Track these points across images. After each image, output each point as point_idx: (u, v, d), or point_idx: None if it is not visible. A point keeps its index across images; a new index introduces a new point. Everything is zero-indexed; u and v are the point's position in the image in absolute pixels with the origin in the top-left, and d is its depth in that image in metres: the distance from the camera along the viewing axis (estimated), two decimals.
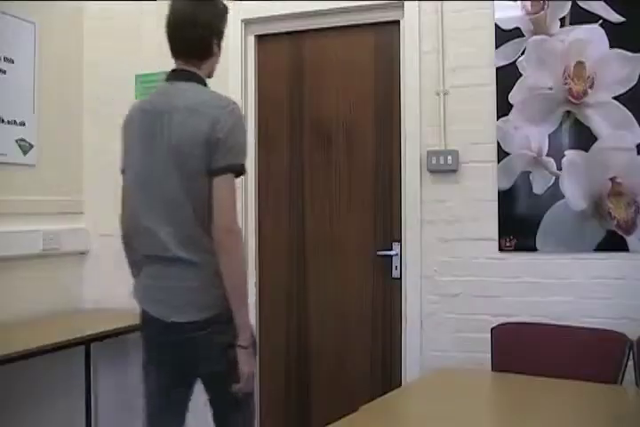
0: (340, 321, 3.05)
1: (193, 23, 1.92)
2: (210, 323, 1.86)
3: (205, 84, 1.99)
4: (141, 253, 1.99)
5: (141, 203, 1.93)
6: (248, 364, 1.87)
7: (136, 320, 3.07)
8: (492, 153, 2.77)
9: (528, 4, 2.72)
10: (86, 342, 3.04)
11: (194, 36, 1.93)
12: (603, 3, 2.60)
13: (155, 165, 1.89)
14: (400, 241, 2.97)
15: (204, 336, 1.85)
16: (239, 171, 1.88)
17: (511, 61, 2.73)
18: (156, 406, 2.01)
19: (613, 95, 2.60)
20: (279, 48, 3.22)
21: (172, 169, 1.86)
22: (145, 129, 1.93)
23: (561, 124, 2.68)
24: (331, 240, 3.11)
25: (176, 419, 2.00)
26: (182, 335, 1.87)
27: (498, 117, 2.75)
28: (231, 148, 1.85)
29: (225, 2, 3.01)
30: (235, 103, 1.93)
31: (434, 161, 2.83)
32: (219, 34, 1.99)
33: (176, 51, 1.98)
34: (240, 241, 1.89)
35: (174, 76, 1.98)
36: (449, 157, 2.81)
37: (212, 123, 1.83)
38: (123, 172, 2.05)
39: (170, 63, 3.25)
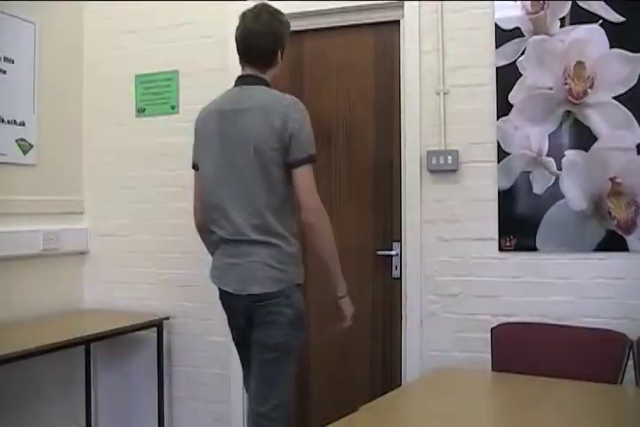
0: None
1: (265, 35, 2.19)
2: (279, 295, 2.12)
3: (270, 87, 2.22)
4: (219, 237, 2.21)
5: (221, 192, 2.17)
6: (349, 307, 2.29)
7: (135, 320, 3.10)
8: (492, 153, 2.77)
9: (528, 3, 2.71)
10: (86, 342, 3.05)
11: (265, 47, 2.20)
12: (603, 3, 2.60)
13: (234, 159, 2.14)
14: (400, 241, 2.97)
15: (273, 304, 2.12)
16: (314, 160, 2.16)
17: (511, 61, 2.73)
18: (246, 364, 2.30)
19: (613, 95, 2.59)
20: None
21: (248, 162, 2.11)
22: (222, 127, 2.17)
23: (561, 124, 2.68)
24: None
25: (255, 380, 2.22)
26: (255, 304, 2.13)
27: (498, 117, 2.75)
28: (304, 141, 2.13)
29: (225, 2, 3.01)
30: (298, 100, 2.18)
31: (434, 161, 2.83)
32: (283, 46, 2.26)
33: (247, 58, 2.23)
34: (327, 217, 2.17)
35: (243, 80, 2.23)
36: (449, 157, 2.81)
37: (284, 120, 2.09)
38: (194, 167, 2.33)
39: (169, 63, 3.28)
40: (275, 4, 3.05)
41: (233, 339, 2.34)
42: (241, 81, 2.23)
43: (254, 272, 2.13)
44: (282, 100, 2.14)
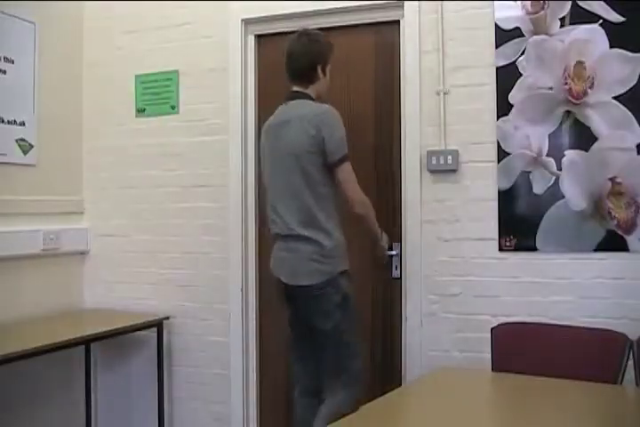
0: None
1: (303, 55, 2.51)
2: (325, 285, 2.42)
3: (313, 100, 2.51)
4: (275, 233, 2.55)
5: (274, 195, 2.53)
6: (385, 243, 2.69)
7: (135, 320, 3.10)
8: (492, 153, 2.77)
9: (528, 3, 2.71)
10: (86, 342, 3.05)
11: (303, 66, 2.52)
12: (603, 3, 2.60)
13: (281, 165, 2.48)
14: (400, 241, 2.97)
15: (321, 294, 2.42)
16: (348, 158, 2.46)
17: (511, 61, 2.73)
18: (297, 338, 2.64)
19: (613, 95, 2.59)
20: (279, 48, 3.22)
21: (293, 166, 2.43)
22: (272, 137, 2.54)
23: (561, 124, 2.68)
24: None
25: (310, 345, 2.58)
26: (306, 294, 2.44)
27: (498, 117, 2.75)
28: (338, 143, 2.43)
29: (225, 2, 3.03)
30: (331, 107, 2.47)
31: (434, 161, 2.83)
32: (323, 63, 2.54)
33: (292, 77, 2.55)
34: (370, 204, 2.52)
35: (290, 96, 2.55)
36: (449, 157, 2.81)
37: (317, 127, 2.40)
38: (260, 176, 2.77)
39: (169, 63, 3.28)
40: (275, 4, 3.09)
41: (288, 319, 2.66)
42: (287, 97, 2.57)
43: (301, 267, 2.45)
44: (317, 110, 2.45)
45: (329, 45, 2.58)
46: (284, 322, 3.20)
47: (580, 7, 2.64)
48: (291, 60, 2.53)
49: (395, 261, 2.99)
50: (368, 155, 3.06)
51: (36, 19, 3.18)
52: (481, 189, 2.79)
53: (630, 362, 2.26)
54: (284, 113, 2.53)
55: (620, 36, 2.58)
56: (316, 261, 2.42)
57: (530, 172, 2.71)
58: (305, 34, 2.56)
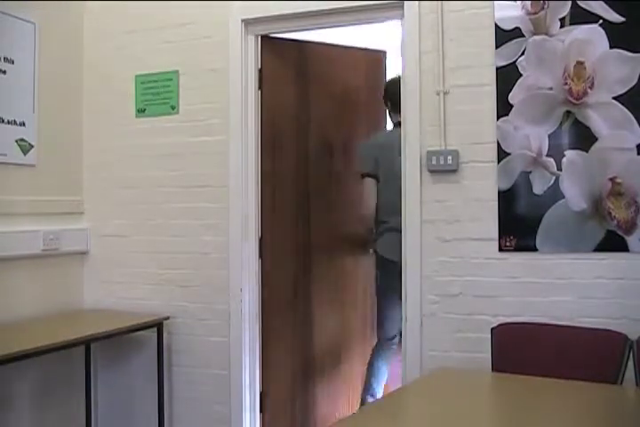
0: (340, 321, 3.05)
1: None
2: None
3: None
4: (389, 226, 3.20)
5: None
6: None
7: (135, 320, 3.10)
8: (492, 153, 2.76)
9: (528, 3, 2.71)
10: (86, 342, 3.05)
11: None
12: (603, 3, 2.60)
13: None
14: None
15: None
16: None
17: (511, 61, 2.73)
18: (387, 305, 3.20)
19: (613, 95, 2.59)
20: (279, 48, 3.23)
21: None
22: (392, 153, 3.13)
23: (561, 124, 2.67)
24: (331, 240, 3.10)
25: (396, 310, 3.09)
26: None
27: (498, 117, 2.75)
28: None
29: (226, 2, 3.03)
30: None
31: (434, 161, 2.83)
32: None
33: (395, 111, 3.14)
34: None
35: (397, 125, 3.11)
36: (449, 157, 2.81)
37: None
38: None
39: (169, 63, 3.28)
40: (275, 5, 3.09)
41: (381, 291, 3.18)
42: (394, 124, 3.21)
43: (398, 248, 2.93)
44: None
45: (397, 80, 2.97)
46: (285, 321, 3.21)
47: (580, 7, 2.64)
48: (396, 99, 2.97)
49: None
50: None
51: (36, 19, 3.18)
52: (481, 189, 2.78)
53: (630, 362, 2.26)
54: (395, 136, 3.06)
55: (619, 36, 2.58)
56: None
57: (530, 172, 2.71)
58: None
